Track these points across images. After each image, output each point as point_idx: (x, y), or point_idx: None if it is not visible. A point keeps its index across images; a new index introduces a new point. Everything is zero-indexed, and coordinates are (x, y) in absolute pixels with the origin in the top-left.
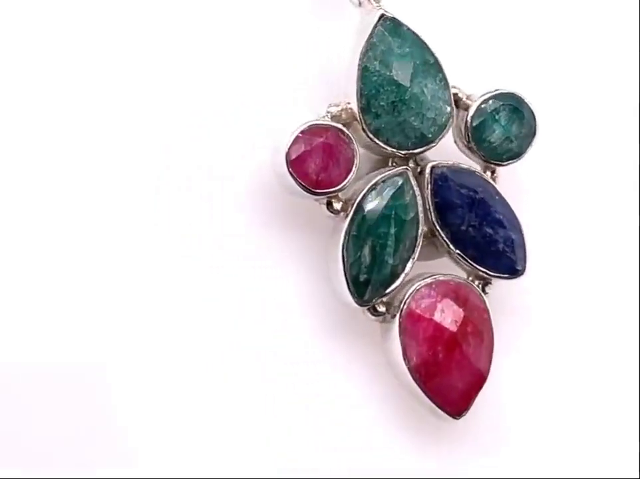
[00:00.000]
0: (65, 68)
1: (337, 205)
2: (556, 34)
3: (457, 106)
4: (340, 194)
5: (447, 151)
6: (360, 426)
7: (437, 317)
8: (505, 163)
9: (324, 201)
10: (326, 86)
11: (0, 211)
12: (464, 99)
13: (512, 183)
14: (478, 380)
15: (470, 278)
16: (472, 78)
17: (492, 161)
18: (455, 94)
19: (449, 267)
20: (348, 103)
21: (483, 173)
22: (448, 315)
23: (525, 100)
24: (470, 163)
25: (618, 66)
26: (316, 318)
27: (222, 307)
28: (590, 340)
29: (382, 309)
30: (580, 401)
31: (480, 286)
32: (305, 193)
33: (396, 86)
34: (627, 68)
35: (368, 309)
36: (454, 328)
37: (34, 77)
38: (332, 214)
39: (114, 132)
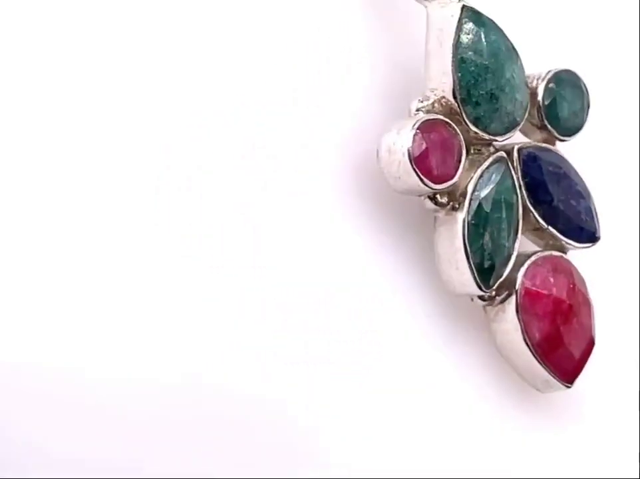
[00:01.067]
0: (65, 68)
1: (443, 199)
2: (552, 35)
3: None
4: None
5: None
6: (465, 416)
7: (554, 291)
8: (571, 137)
9: (429, 195)
10: (327, 86)
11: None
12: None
13: None
14: (590, 346)
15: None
16: None
17: (563, 137)
18: None
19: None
20: (443, 96)
21: (553, 148)
22: (562, 288)
23: (580, 75)
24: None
25: (616, 65)
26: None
27: (220, 307)
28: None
29: (492, 293)
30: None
31: None
32: (427, 189)
33: (492, 73)
34: (626, 69)
35: (480, 297)
36: (569, 300)
37: (34, 77)
38: (438, 207)
39: (114, 132)
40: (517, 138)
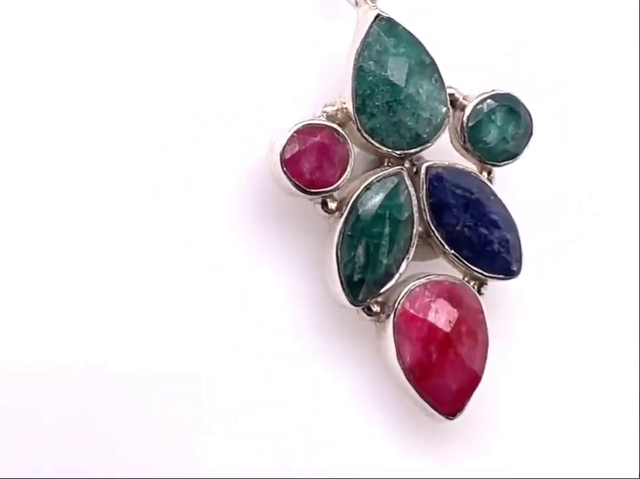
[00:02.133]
0: (65, 68)
1: (332, 205)
2: (552, 35)
3: (453, 107)
4: (335, 194)
5: (444, 151)
6: (353, 425)
7: (431, 317)
8: (502, 163)
9: (319, 200)
10: (327, 86)
11: (1, 212)
12: (461, 99)
13: (509, 183)
14: (472, 380)
15: (466, 278)
16: (470, 78)
17: (488, 162)
18: (452, 95)
19: (445, 268)
20: (344, 103)
21: (479, 174)
22: (442, 315)
23: (521, 101)
24: (467, 163)
25: (616, 65)
26: (310, 318)
27: (220, 307)
28: (586, 341)
29: (376, 308)
30: (577, 402)
31: (476, 286)
32: (300, 192)
33: (391, 86)
34: (626, 69)
35: (363, 309)
36: (447, 328)
37: (35, 78)
38: (327, 214)
39: (114, 132)
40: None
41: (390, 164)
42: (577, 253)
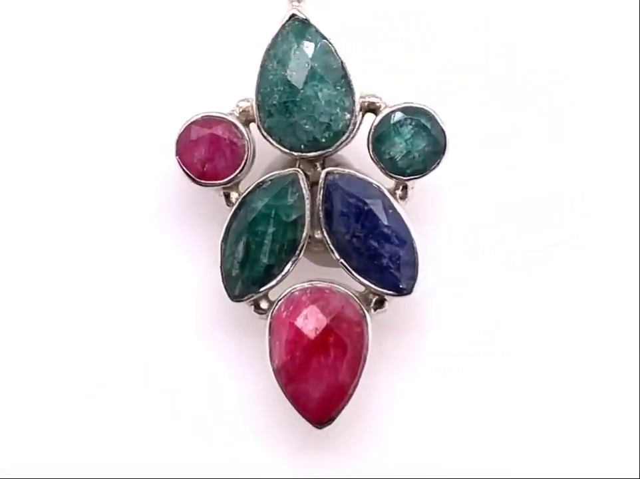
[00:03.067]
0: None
1: (234, 199)
2: (542, 35)
3: (376, 116)
4: (240, 188)
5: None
6: (230, 423)
7: (299, 322)
8: (406, 178)
9: (222, 193)
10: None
11: (1, 212)
12: (382, 109)
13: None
14: (338, 392)
15: (366, 290)
16: (461, 79)
17: (392, 175)
18: (372, 104)
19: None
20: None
21: (381, 186)
22: (310, 322)
23: (436, 116)
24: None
25: (608, 65)
26: (211, 311)
27: (122, 299)
28: (583, 339)
29: (265, 306)
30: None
31: (374, 300)
32: (192, 182)
33: (289, 86)
34: (617, 69)
35: (252, 305)
36: (312, 335)
37: (21, 78)
38: (228, 207)
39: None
40: None
41: (300, 166)
42: (569, 254)
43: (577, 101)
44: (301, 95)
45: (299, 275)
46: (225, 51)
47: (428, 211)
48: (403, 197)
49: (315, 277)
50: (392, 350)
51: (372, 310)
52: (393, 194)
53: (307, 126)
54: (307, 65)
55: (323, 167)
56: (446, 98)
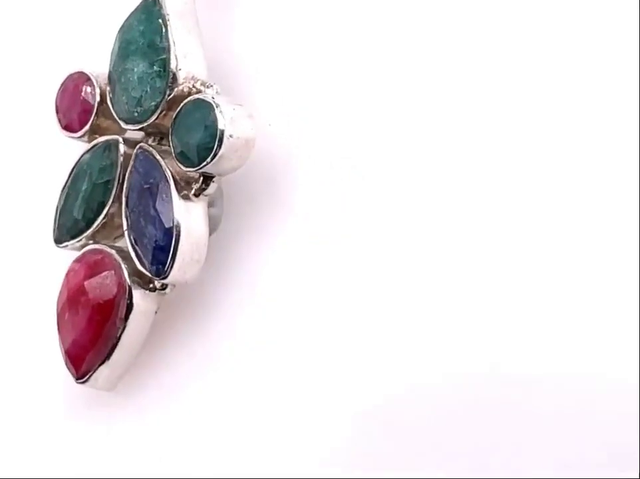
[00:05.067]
0: None
1: None
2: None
3: None
4: None
5: None
6: None
7: (69, 276)
8: (185, 168)
9: None
10: None
11: None
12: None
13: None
14: (81, 352)
15: None
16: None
17: (178, 163)
18: (195, 90)
19: None
20: None
21: (169, 171)
22: (73, 280)
23: (217, 113)
24: None
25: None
26: None
27: None
28: None
29: None
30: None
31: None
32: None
33: (117, 57)
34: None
35: None
36: (70, 292)
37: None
38: None
39: None
40: None
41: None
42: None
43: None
44: (121, 67)
45: None
46: None
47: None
48: (200, 189)
49: None
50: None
51: (149, 290)
52: (189, 185)
53: (123, 98)
54: (135, 40)
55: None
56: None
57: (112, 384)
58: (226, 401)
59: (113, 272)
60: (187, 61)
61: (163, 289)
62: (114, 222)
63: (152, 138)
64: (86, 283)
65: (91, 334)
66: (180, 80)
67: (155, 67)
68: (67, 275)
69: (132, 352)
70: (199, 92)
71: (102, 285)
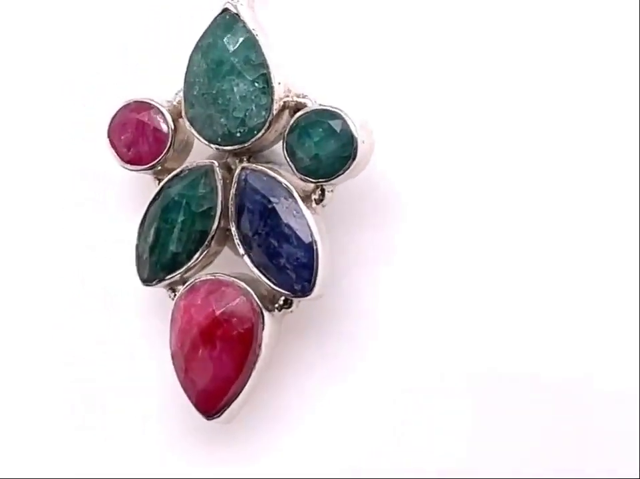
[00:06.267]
0: None
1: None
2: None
3: None
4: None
5: None
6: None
7: (192, 311)
8: (315, 180)
9: (153, 177)
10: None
11: None
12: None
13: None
14: (222, 385)
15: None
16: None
17: (303, 176)
18: (300, 104)
19: None
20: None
21: (291, 186)
22: (201, 313)
23: (348, 121)
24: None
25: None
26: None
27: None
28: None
29: (171, 294)
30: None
31: (281, 300)
32: (119, 165)
33: (207, 78)
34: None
35: (169, 291)
36: (201, 326)
37: None
38: None
39: None
40: None
41: (227, 159)
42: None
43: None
44: (217, 88)
45: (225, 266)
46: (174, 41)
47: (359, 215)
48: (320, 200)
49: (241, 270)
50: (303, 350)
51: (276, 309)
52: (309, 197)
53: (222, 120)
54: (226, 59)
55: (248, 163)
56: (389, 100)
57: (235, 415)
58: (355, 411)
59: (244, 299)
60: (282, 73)
61: (289, 307)
62: (211, 250)
63: (239, 158)
64: (218, 313)
65: (233, 365)
66: (281, 94)
67: (257, 84)
68: (184, 311)
69: (261, 378)
70: (298, 103)
71: (237, 314)
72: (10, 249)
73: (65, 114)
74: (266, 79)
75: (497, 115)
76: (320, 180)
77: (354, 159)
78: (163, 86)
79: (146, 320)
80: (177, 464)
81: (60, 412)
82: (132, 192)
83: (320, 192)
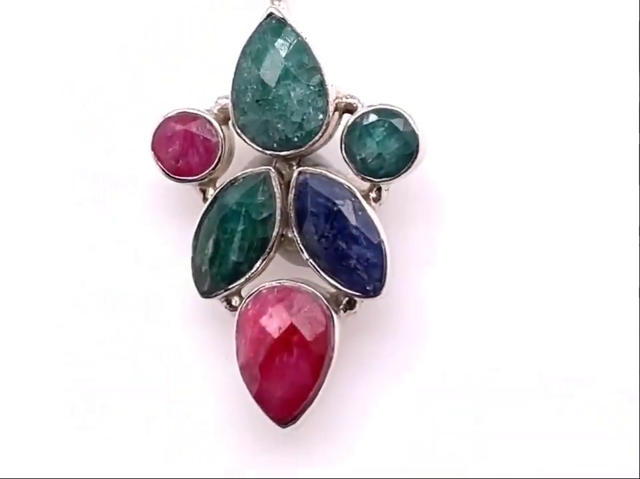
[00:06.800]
0: None
1: (209, 196)
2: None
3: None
4: (218, 185)
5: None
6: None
7: (264, 320)
8: (378, 180)
9: (198, 189)
10: None
11: None
12: (357, 110)
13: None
14: (300, 392)
15: (337, 291)
16: (461, 77)
17: (364, 176)
18: (350, 104)
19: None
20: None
21: (352, 187)
22: (274, 321)
23: (409, 118)
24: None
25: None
26: (187, 308)
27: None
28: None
29: (236, 303)
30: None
31: (344, 301)
32: (166, 178)
33: (262, 85)
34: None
35: (225, 302)
36: (276, 334)
37: None
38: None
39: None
40: None
41: (276, 164)
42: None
43: (573, 100)
44: (273, 94)
45: (276, 273)
46: (210, 49)
47: (408, 214)
48: (377, 199)
49: (291, 275)
50: (367, 352)
51: (341, 311)
52: (367, 196)
53: (279, 125)
54: (280, 64)
55: (299, 167)
56: (430, 100)
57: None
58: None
59: (315, 304)
60: (332, 75)
61: (352, 308)
62: (271, 257)
63: (289, 163)
64: (293, 320)
65: (310, 370)
66: (334, 96)
67: (312, 87)
68: (253, 321)
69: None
70: (347, 104)
71: (310, 319)
72: (10, 249)
73: (65, 114)
74: (321, 82)
75: (541, 119)
76: (383, 179)
77: (417, 156)
78: (163, 86)
79: (146, 321)
80: (177, 464)
81: (61, 412)
82: (132, 192)
83: (377, 191)
